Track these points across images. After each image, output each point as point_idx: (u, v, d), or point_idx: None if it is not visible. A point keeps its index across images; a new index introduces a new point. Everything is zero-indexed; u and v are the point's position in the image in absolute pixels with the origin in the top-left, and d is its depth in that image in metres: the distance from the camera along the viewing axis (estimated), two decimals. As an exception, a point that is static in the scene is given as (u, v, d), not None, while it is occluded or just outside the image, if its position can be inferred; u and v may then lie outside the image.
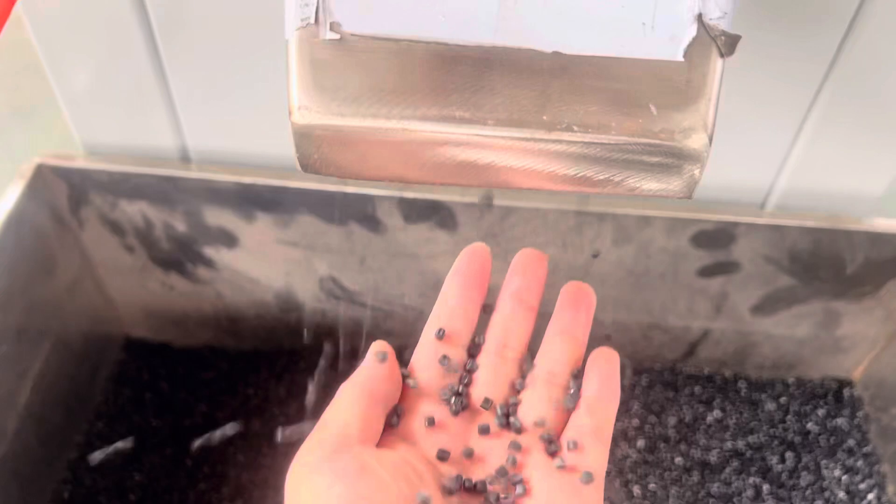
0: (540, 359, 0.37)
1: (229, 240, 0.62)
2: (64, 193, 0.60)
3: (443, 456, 0.34)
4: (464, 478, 0.33)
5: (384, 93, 0.26)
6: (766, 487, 0.66)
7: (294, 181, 0.58)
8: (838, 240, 0.58)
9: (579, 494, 0.32)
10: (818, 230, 0.58)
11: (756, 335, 0.67)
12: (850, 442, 0.68)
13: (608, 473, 0.66)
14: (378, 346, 0.35)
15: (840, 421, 0.69)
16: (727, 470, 0.67)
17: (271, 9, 0.49)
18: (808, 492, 0.66)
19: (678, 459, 0.68)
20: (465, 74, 0.26)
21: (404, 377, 0.36)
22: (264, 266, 0.64)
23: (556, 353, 0.37)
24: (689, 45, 0.26)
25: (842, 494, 0.66)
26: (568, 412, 0.36)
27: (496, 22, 0.26)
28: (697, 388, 0.71)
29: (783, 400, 0.71)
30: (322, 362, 0.65)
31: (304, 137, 0.27)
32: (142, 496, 0.64)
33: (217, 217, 0.61)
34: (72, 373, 0.65)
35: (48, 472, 0.63)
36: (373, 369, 0.35)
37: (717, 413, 0.70)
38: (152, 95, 0.56)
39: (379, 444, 0.33)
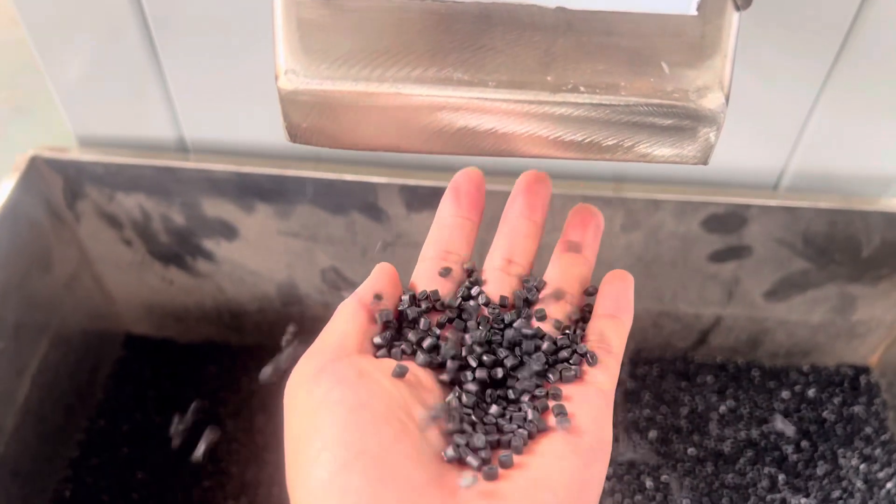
0: (548, 277, 0.36)
1: (229, 232, 0.61)
2: (59, 187, 0.58)
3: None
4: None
5: (377, 54, 0.24)
6: (781, 478, 0.64)
7: (294, 170, 0.56)
8: (854, 221, 0.56)
9: (591, 403, 0.31)
10: (833, 211, 0.56)
11: (769, 322, 0.65)
12: (868, 430, 0.66)
13: (619, 471, 0.64)
14: (380, 266, 0.35)
15: (857, 408, 0.67)
16: (741, 460, 0.65)
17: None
18: (824, 481, 0.64)
19: (691, 450, 0.66)
20: (463, 33, 0.24)
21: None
22: (265, 258, 0.63)
23: (564, 271, 0.36)
24: (703, -1, 0.24)
25: (860, 483, 0.64)
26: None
27: (495, -24, 0.24)
28: (710, 378, 0.69)
29: (798, 388, 0.69)
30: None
31: (292, 104, 0.25)
32: (145, 494, 0.62)
33: (216, 208, 0.59)
34: (71, 370, 0.64)
35: (49, 471, 0.61)
36: (369, 286, 0.34)
37: (730, 402, 0.68)
38: (148, 85, 0.54)
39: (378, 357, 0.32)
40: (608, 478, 0.64)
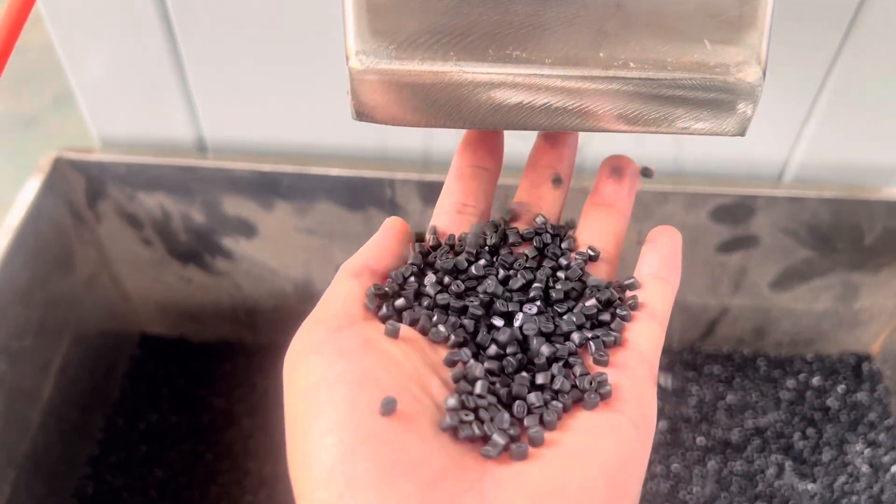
0: (579, 235, 0.33)
1: (248, 230, 0.62)
2: (81, 187, 0.60)
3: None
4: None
5: (440, 35, 0.27)
6: (788, 464, 0.66)
7: (313, 168, 0.58)
8: (857, 210, 0.59)
9: (634, 373, 0.28)
10: (837, 201, 0.58)
11: (775, 311, 0.67)
12: (872, 416, 0.69)
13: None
14: (389, 221, 0.32)
15: (860, 395, 0.70)
16: (749, 448, 0.67)
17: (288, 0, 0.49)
18: (830, 467, 0.66)
19: (700, 439, 0.68)
20: (521, 14, 0.27)
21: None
22: (283, 255, 0.64)
23: (598, 226, 0.32)
24: (741, -20, 0.27)
25: (865, 468, 0.66)
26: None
27: (550, -39, 0.26)
28: (717, 368, 0.71)
29: (802, 377, 0.71)
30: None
31: (361, 83, 0.27)
32: (164, 492, 0.63)
33: (236, 207, 0.61)
34: (90, 368, 0.65)
35: (70, 469, 0.62)
36: (375, 244, 0.31)
37: (737, 392, 0.70)
38: (169, 86, 0.56)
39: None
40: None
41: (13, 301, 0.54)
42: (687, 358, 0.72)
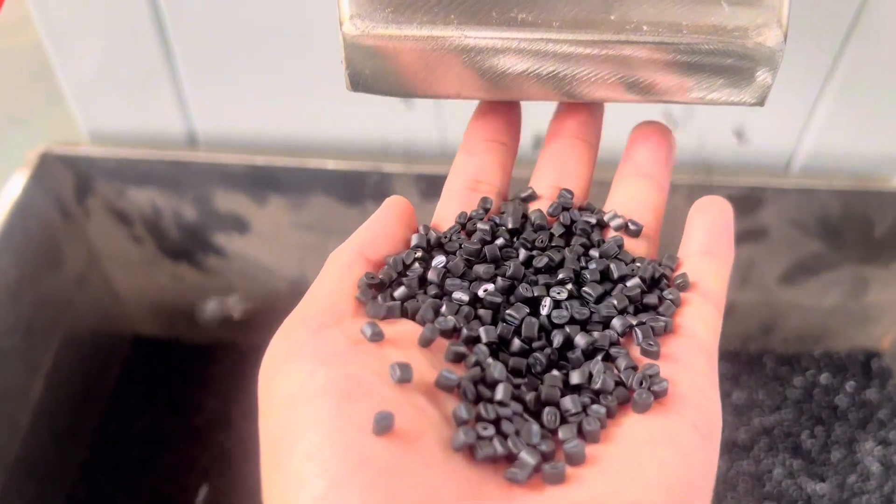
0: (613, 208, 0.29)
1: (241, 226, 0.61)
2: (70, 182, 0.58)
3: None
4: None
5: (440, -2, 0.25)
6: (797, 464, 0.65)
7: (308, 161, 0.56)
8: (868, 201, 0.57)
9: (692, 365, 0.23)
10: (847, 192, 0.57)
11: (782, 306, 0.66)
12: (882, 413, 0.67)
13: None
14: (390, 200, 0.28)
15: (870, 393, 0.68)
16: (756, 448, 0.66)
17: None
18: (840, 466, 0.64)
19: (707, 439, 0.66)
20: (526, -26, 0.25)
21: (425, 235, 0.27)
22: (278, 252, 0.62)
23: (633, 198, 0.28)
24: (761, -63, 0.25)
25: (876, 467, 0.64)
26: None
27: (557, -83, 0.24)
28: (723, 366, 0.69)
29: (810, 374, 0.69)
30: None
31: (356, 49, 0.25)
32: (157, 495, 0.62)
33: (228, 202, 0.59)
34: (82, 370, 0.63)
35: (62, 472, 0.60)
36: (372, 227, 0.26)
37: (744, 390, 0.68)
38: (159, 78, 0.54)
39: (383, 319, 0.24)
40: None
41: (2, 299, 0.52)
42: (692, 355, 0.70)
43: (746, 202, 0.57)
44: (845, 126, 0.55)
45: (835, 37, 0.50)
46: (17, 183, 0.55)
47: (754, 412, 0.67)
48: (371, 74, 0.26)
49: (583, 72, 0.26)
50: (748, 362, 0.70)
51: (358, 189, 0.57)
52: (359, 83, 0.26)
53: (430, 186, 0.57)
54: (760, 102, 0.27)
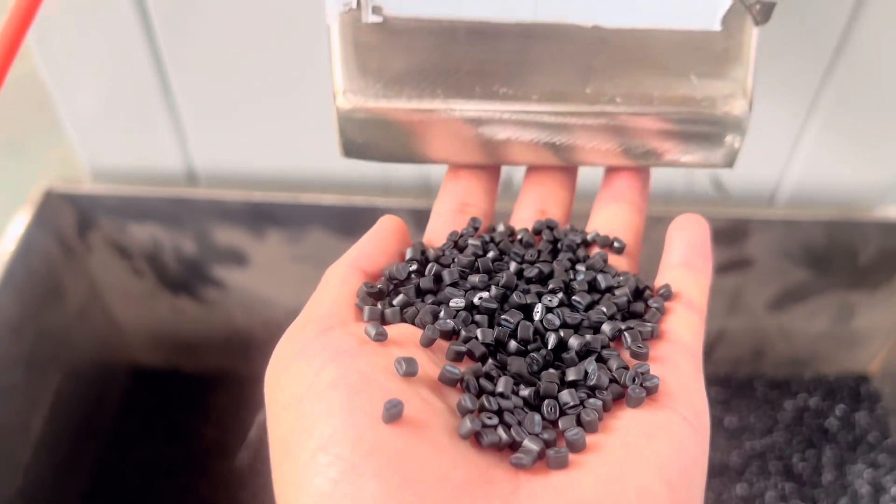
0: (595, 228, 0.31)
1: (239, 259, 0.62)
2: (72, 219, 0.60)
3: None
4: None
5: (428, 73, 0.27)
6: (788, 487, 0.66)
7: (305, 196, 0.58)
8: (851, 231, 0.59)
9: (679, 366, 0.25)
10: (830, 223, 0.59)
11: (771, 332, 0.67)
12: (871, 436, 0.69)
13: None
14: (384, 219, 0.29)
15: (859, 416, 0.70)
16: (749, 471, 0.67)
17: (276, 30, 0.50)
18: (831, 489, 0.66)
19: (700, 463, 0.68)
20: (507, 51, 0.27)
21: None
22: (275, 284, 0.64)
23: (614, 219, 0.30)
24: (726, 15, 0.27)
25: (866, 489, 0.66)
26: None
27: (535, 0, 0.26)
28: (715, 390, 0.71)
29: (801, 398, 0.71)
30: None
31: (349, 121, 0.27)
32: (158, 525, 0.63)
33: (227, 236, 0.61)
34: (82, 402, 0.65)
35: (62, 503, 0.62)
36: (367, 242, 0.28)
37: (736, 414, 0.70)
38: (159, 117, 0.56)
39: (383, 323, 0.26)
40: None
41: (3, 336, 0.54)
42: (684, 381, 0.72)
43: (733, 233, 0.59)
44: (828, 158, 0.57)
45: (816, 71, 0.53)
46: (20, 220, 0.56)
47: (746, 436, 0.69)
48: (363, 143, 0.28)
49: (561, 140, 0.28)
50: (739, 387, 0.72)
51: (353, 223, 0.59)
52: (351, 151, 0.28)
53: (423, 220, 0.59)
54: (730, 164, 0.29)
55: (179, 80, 0.54)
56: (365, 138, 0.28)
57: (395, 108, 0.27)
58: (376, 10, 0.26)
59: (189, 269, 0.63)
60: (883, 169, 0.58)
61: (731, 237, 0.59)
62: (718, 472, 0.67)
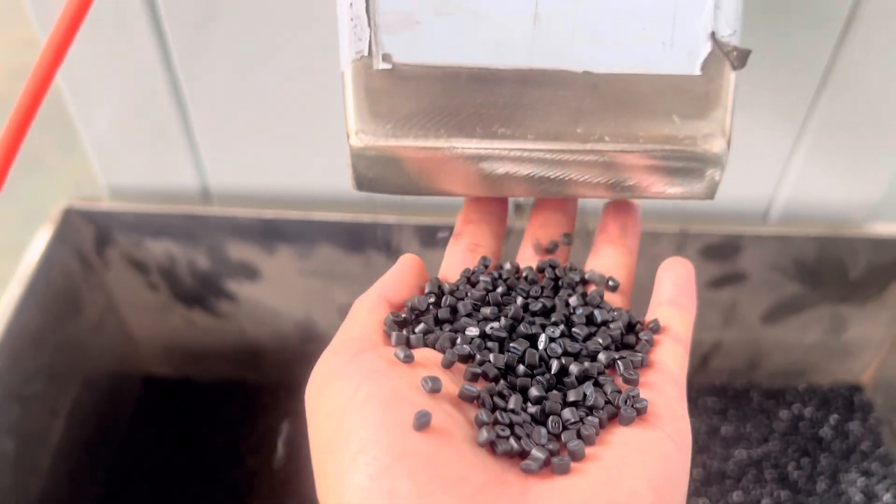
0: (592, 268, 0.35)
1: (251, 273, 0.65)
2: (90, 235, 0.63)
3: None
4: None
5: (432, 115, 0.30)
6: (784, 494, 0.69)
7: (314, 214, 0.61)
8: (841, 246, 0.61)
9: (665, 392, 0.28)
10: (821, 238, 0.61)
11: (766, 343, 0.70)
12: (864, 445, 0.71)
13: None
14: (405, 257, 0.33)
15: (852, 425, 0.72)
16: (745, 479, 0.70)
17: (288, 55, 0.52)
18: (826, 496, 0.68)
19: (696, 471, 0.70)
20: (505, 95, 0.30)
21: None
22: (285, 297, 0.67)
23: (609, 261, 0.34)
24: (705, 60, 0.30)
25: (858, 497, 0.68)
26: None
27: (531, 47, 0.29)
28: (712, 400, 0.74)
29: (796, 408, 0.74)
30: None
31: (361, 159, 0.30)
32: (171, 531, 0.66)
33: (239, 251, 0.64)
34: (98, 410, 0.67)
35: (80, 510, 0.65)
36: (392, 277, 0.32)
37: (732, 423, 0.73)
38: (175, 137, 0.59)
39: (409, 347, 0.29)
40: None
41: (26, 347, 0.57)
42: (682, 391, 0.74)
43: (726, 248, 0.62)
44: (818, 177, 0.60)
45: (805, 96, 0.55)
46: (42, 237, 0.59)
47: (742, 444, 0.72)
48: (374, 178, 0.31)
49: (555, 174, 0.30)
50: (735, 397, 0.74)
51: (360, 239, 0.62)
52: (363, 184, 0.31)
53: (430, 236, 0.62)
54: (711, 197, 0.32)
55: (194, 103, 0.57)
56: (375, 174, 0.31)
57: (404, 147, 0.30)
58: (386, 57, 0.29)
59: (202, 282, 0.66)
60: (871, 188, 0.60)
61: (725, 252, 0.62)
62: (716, 480, 0.69)
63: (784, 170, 0.60)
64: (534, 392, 0.28)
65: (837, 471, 0.70)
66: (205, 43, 0.53)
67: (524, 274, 0.33)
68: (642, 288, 0.63)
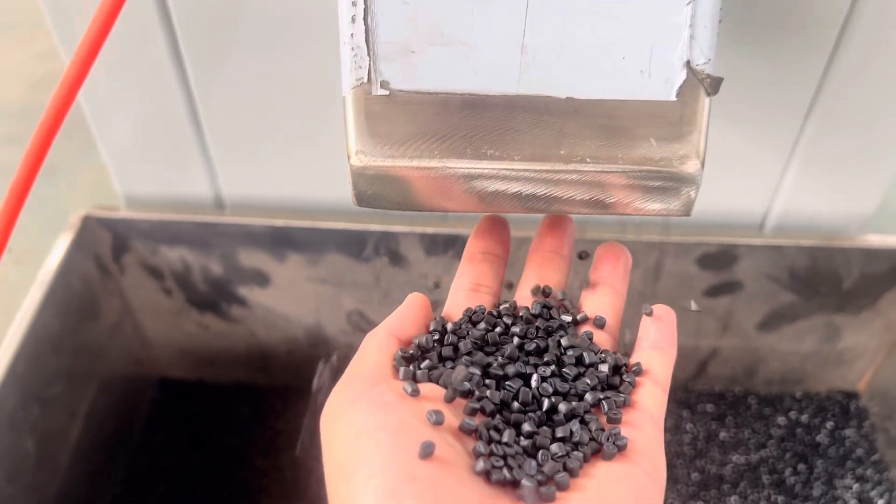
0: (583, 310, 0.38)
1: (262, 279, 0.68)
2: (108, 242, 0.66)
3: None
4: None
5: (427, 137, 0.32)
6: (780, 499, 0.71)
7: (323, 222, 0.64)
8: (834, 256, 0.64)
9: (644, 430, 0.31)
10: (814, 248, 0.63)
11: (763, 351, 0.72)
12: (859, 452, 0.73)
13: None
14: (412, 296, 0.36)
15: (848, 432, 0.74)
16: (742, 483, 0.72)
17: (299, 72, 0.55)
18: (821, 501, 0.70)
19: (695, 475, 0.72)
20: (493, 119, 0.32)
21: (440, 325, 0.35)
22: (295, 303, 0.70)
23: (599, 304, 0.37)
24: (681, 88, 0.32)
25: (853, 502, 0.70)
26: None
27: (518, 75, 0.32)
28: (710, 406, 0.76)
29: (793, 414, 0.76)
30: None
31: (361, 177, 0.33)
32: (183, 529, 0.69)
33: (251, 258, 0.66)
34: (114, 412, 0.70)
35: (97, 507, 0.68)
36: (400, 315, 0.35)
37: (730, 429, 0.75)
38: (189, 149, 0.62)
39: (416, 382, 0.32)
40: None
41: (46, 350, 0.60)
42: (681, 396, 0.76)
43: (722, 258, 0.64)
44: (813, 189, 0.62)
45: (799, 107, 0.57)
46: (61, 244, 0.62)
47: (740, 449, 0.74)
48: (372, 194, 0.33)
49: (541, 192, 0.33)
50: (734, 403, 0.76)
51: (367, 247, 0.65)
52: (363, 200, 0.34)
53: (434, 245, 0.64)
54: (687, 213, 0.34)
55: (208, 117, 0.59)
56: (374, 191, 0.33)
57: (400, 166, 0.32)
58: (384, 84, 0.32)
59: (215, 288, 0.69)
60: (865, 202, 0.62)
61: (721, 261, 0.64)
62: (714, 484, 0.71)
63: (779, 183, 0.62)
64: (526, 427, 0.31)
65: (833, 476, 0.72)
66: (218, 61, 0.56)
67: (521, 314, 0.36)
68: (641, 296, 0.66)
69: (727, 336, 0.71)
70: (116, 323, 0.70)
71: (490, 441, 0.30)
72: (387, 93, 0.32)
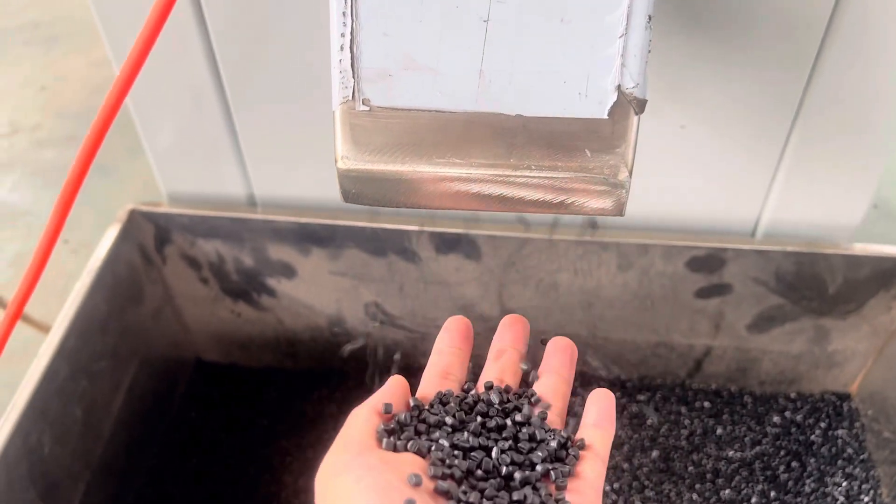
0: (536, 392, 0.44)
1: (289, 271, 0.76)
2: (151, 234, 0.75)
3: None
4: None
5: (400, 146, 0.40)
6: (773, 493, 0.76)
7: (344, 220, 0.72)
8: (818, 262, 0.69)
9: (586, 496, 0.38)
10: (799, 254, 0.69)
11: (755, 351, 0.78)
12: (849, 451, 0.78)
13: (627, 485, 0.77)
14: (393, 378, 0.42)
15: (840, 432, 0.79)
16: (737, 478, 0.77)
17: (323, 83, 0.63)
18: (812, 497, 0.76)
19: (691, 468, 0.78)
20: (456, 132, 0.40)
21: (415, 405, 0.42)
22: (318, 294, 0.78)
23: (550, 388, 0.44)
24: (612, 107, 0.39)
25: (841, 499, 0.75)
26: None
27: (476, 96, 0.39)
28: (707, 403, 0.82)
29: (787, 413, 0.81)
30: (367, 379, 0.79)
31: (346, 178, 0.41)
32: (211, 501, 0.77)
33: (279, 252, 0.75)
34: (154, 389, 0.79)
35: (132, 476, 0.76)
36: (382, 394, 0.41)
37: (726, 425, 0.80)
38: (226, 152, 0.70)
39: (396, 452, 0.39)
40: (615, 491, 0.77)
41: (95, 330, 0.69)
42: (678, 393, 0.83)
43: (711, 261, 0.70)
44: (800, 199, 0.68)
45: (782, 128, 0.63)
46: (109, 235, 0.71)
47: (736, 446, 0.79)
48: (356, 192, 0.41)
49: (495, 193, 0.40)
50: (730, 401, 0.82)
51: (383, 244, 0.72)
52: (348, 197, 0.41)
53: (442, 242, 0.72)
54: (620, 213, 0.41)
55: (242, 122, 0.68)
56: (357, 189, 0.41)
57: (378, 169, 0.40)
58: (365, 101, 0.39)
59: (246, 279, 0.78)
60: (851, 213, 0.68)
61: (710, 264, 0.70)
62: (709, 477, 0.77)
63: (767, 194, 0.68)
64: (488, 491, 0.37)
65: (824, 474, 0.77)
66: (251, 71, 0.64)
67: (483, 398, 0.43)
68: (636, 296, 0.72)
69: (719, 336, 0.77)
70: (158, 308, 0.79)
71: (459, 501, 0.36)
72: (368, 109, 0.40)
